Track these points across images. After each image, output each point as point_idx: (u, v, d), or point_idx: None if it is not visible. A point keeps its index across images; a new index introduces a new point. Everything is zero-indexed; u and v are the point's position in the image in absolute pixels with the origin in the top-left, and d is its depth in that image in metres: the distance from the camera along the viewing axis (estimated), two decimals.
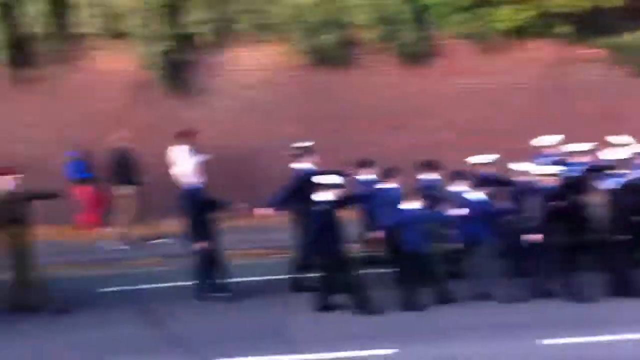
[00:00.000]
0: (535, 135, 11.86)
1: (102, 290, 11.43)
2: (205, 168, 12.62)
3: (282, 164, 11.93)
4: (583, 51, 14.54)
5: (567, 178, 10.22)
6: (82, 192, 14.20)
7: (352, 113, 14.71)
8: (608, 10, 14.33)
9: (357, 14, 14.62)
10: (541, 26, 14.44)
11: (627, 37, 14.51)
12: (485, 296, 10.01)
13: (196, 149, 13.22)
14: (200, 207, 10.35)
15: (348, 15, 14.70)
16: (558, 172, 10.08)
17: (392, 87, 14.91)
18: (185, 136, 13.46)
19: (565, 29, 14.33)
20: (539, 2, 14.32)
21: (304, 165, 10.91)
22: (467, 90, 14.84)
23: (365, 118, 14.70)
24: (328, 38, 14.60)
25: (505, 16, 14.57)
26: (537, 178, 10.03)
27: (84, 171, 14.25)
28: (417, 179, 11.14)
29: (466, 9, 14.70)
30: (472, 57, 15.15)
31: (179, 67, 14.95)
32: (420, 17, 14.75)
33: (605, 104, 14.40)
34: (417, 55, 14.97)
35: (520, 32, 14.82)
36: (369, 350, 8.42)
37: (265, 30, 14.66)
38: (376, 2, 14.65)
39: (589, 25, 14.43)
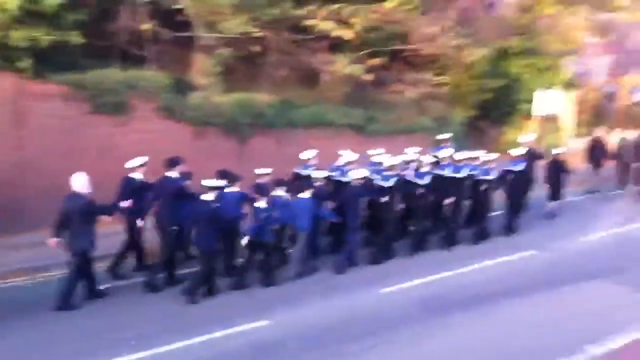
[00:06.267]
0: None
1: None
2: None
3: None
4: (43, 86, 13.64)
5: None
6: None
7: None
8: (70, 46, 14.10)
9: None
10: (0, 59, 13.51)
11: (89, 74, 14.26)
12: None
13: None
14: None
15: None
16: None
17: None
18: None
19: (25, 63, 13.45)
20: None
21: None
22: None
23: None
24: None
25: None
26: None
27: None
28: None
29: None
30: None
31: None
32: None
33: (64, 139, 13.88)
34: None
35: None
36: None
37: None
38: None
39: (48, 61, 13.87)
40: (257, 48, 16.65)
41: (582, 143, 21.49)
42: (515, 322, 9.84)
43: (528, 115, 24.02)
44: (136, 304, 10.43)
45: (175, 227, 10.97)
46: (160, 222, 11.16)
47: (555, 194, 16.29)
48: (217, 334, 9.14)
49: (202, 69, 16.45)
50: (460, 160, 13.98)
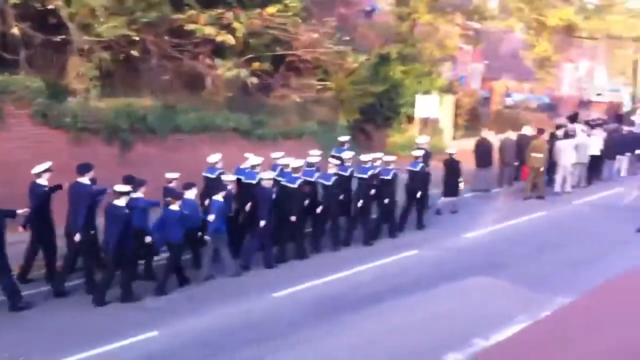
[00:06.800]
0: None
1: None
2: None
3: None
4: None
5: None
6: None
7: None
8: None
9: None
10: None
11: None
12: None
13: None
14: None
15: None
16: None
17: None
18: None
19: None
20: None
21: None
22: None
23: None
24: None
25: None
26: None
27: None
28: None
29: None
30: None
31: None
32: None
33: None
34: None
35: None
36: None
37: None
38: None
39: None
40: (136, 52, 16.13)
41: (466, 144, 22.33)
42: (404, 320, 10.03)
43: (410, 119, 24.72)
44: (22, 318, 9.88)
45: (93, 232, 10.92)
46: (70, 228, 10.91)
47: (451, 192, 17.00)
48: (108, 347, 8.78)
49: (79, 73, 15.77)
50: (364, 162, 14.45)
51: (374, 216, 14.74)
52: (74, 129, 14.60)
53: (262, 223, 12.29)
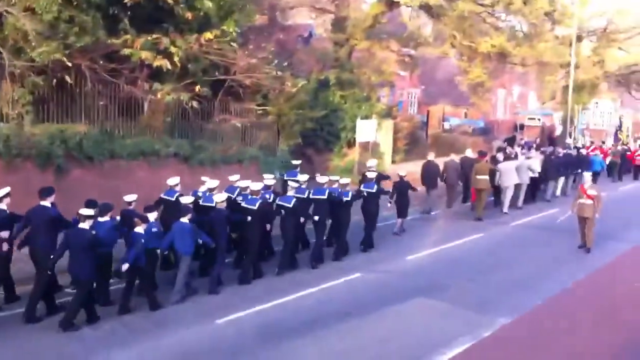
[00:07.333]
0: None
1: None
2: None
3: None
4: None
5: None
6: None
7: None
8: None
9: None
10: None
11: None
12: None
13: None
14: None
15: None
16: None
17: None
18: None
19: None
20: None
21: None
22: None
23: None
24: None
25: None
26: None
27: None
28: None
29: None
30: None
31: None
32: None
33: None
34: None
35: None
36: None
37: None
38: None
39: None
40: (69, 77, 15.71)
41: (406, 167, 22.66)
42: (349, 345, 9.93)
43: (351, 143, 24.92)
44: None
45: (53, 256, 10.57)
46: (34, 252, 10.75)
47: (401, 212, 17.22)
48: None
49: (11, 98, 15.29)
50: (322, 184, 14.79)
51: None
52: (6, 156, 14.12)
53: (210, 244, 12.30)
